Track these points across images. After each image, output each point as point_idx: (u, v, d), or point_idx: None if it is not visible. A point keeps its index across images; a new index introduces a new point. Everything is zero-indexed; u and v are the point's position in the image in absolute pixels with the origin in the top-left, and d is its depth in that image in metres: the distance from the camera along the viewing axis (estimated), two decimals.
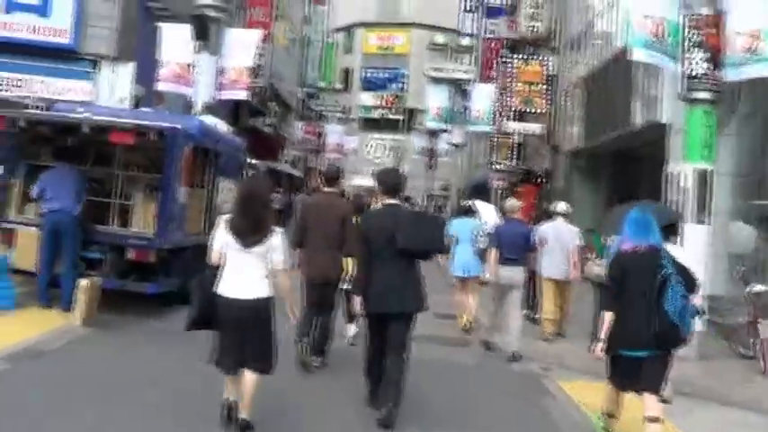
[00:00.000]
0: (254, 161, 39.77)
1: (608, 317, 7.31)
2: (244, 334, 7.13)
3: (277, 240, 7.19)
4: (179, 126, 12.59)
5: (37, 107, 17.99)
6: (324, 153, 49.87)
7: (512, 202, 13.27)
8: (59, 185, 12.08)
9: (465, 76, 32.74)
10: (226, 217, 7.30)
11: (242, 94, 21.77)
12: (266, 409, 7.58)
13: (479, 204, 16.86)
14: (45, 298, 12.07)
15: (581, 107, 27.56)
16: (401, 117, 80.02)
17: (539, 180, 32.84)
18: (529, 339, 12.41)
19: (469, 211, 14.59)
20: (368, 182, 70.65)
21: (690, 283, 7.34)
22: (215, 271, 7.23)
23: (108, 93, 20.84)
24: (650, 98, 19.43)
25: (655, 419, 7.15)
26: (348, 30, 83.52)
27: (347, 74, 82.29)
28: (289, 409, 8.29)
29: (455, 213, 15.04)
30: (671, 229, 9.37)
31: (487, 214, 16.23)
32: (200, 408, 7.81)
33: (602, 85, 24.60)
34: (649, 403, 7.21)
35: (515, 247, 11.89)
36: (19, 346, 9.81)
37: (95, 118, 12.67)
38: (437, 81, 35.74)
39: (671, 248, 7.95)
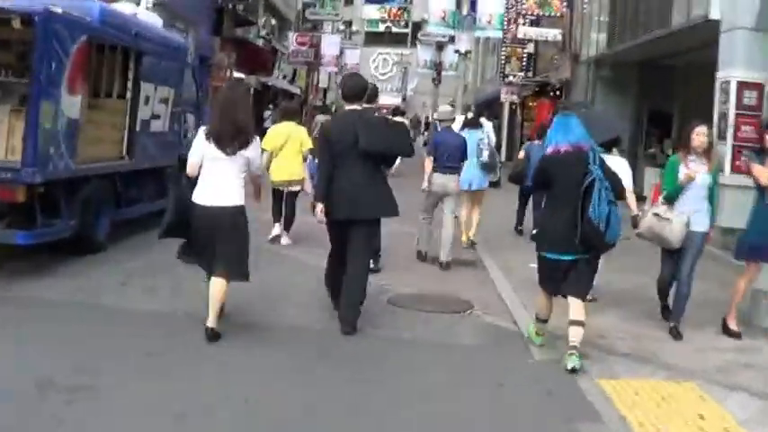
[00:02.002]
0: (241, 75, 37.33)
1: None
2: (219, 240, 7.18)
3: (255, 148, 7.38)
4: (58, 10, 8.99)
5: None
6: (319, 67, 45.85)
7: (443, 108, 13.51)
8: None
9: None
10: (203, 127, 7.39)
11: None
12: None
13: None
14: None
15: (605, 8, 24.32)
16: (407, 30, 76.43)
17: (555, 93, 29.59)
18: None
19: (474, 124, 13.97)
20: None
21: (616, 188, 7.14)
22: (193, 181, 7.25)
23: None
24: None
25: (578, 323, 7.11)
26: None
27: None
28: None
29: (460, 126, 13.93)
30: (614, 141, 9.47)
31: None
32: None
33: None
34: (574, 307, 7.15)
35: (451, 156, 11.82)
36: None
37: None
38: None
39: (612, 160, 8.16)
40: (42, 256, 9.78)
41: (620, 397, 6.41)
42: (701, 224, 8.24)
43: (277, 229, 12.63)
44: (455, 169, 11.90)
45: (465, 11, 27.72)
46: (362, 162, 7.83)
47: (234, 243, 7.24)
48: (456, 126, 13.36)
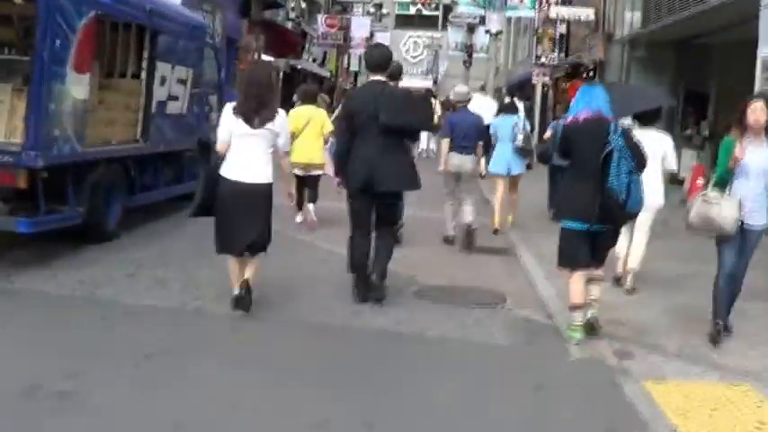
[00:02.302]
0: (270, 58, 36.85)
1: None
2: (247, 216, 7.23)
3: (281, 123, 7.41)
4: None
5: None
6: (349, 50, 45.12)
7: (459, 89, 12.89)
8: None
9: None
10: (230, 104, 7.39)
11: None
12: None
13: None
14: None
15: None
16: (437, 13, 75.78)
17: (588, 74, 28.66)
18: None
19: (510, 108, 13.77)
20: (405, 83, 68.61)
21: (639, 160, 7.02)
22: (222, 159, 7.32)
23: None
24: None
25: (598, 278, 7.34)
26: None
27: None
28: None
29: (496, 111, 14.43)
30: (654, 114, 9.52)
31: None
32: None
33: None
34: (594, 271, 7.25)
35: (467, 136, 11.70)
36: None
37: None
38: None
39: (653, 135, 8.75)
40: (51, 245, 9.29)
41: (668, 403, 5.71)
42: (758, 218, 7.21)
43: (300, 216, 12.50)
44: (471, 149, 11.78)
45: None
46: (384, 135, 7.78)
47: (259, 219, 7.31)
48: (490, 111, 13.71)
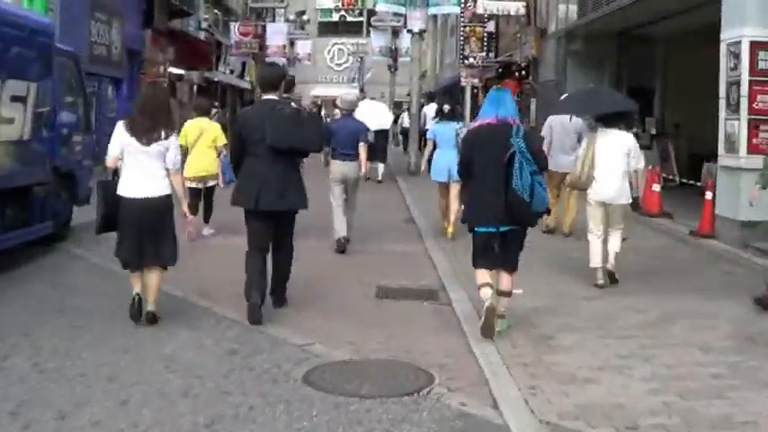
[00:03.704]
0: (180, 71, 34.20)
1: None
2: (148, 230, 7.46)
3: (173, 142, 7.60)
4: None
5: None
6: (264, 59, 42.08)
7: (346, 97, 13.18)
8: None
9: None
10: (122, 120, 7.59)
11: None
12: None
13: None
14: None
15: None
16: (362, 19, 74.36)
17: (521, 73, 27.16)
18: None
19: (450, 114, 13.53)
20: (331, 91, 66.41)
21: (538, 161, 7.19)
22: (116, 175, 7.59)
23: None
24: None
25: (506, 293, 7.37)
26: None
27: None
28: None
29: (434, 117, 14.66)
30: (622, 117, 9.83)
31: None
32: None
33: None
34: (502, 279, 7.36)
35: (348, 143, 11.80)
36: None
37: None
38: None
39: (618, 135, 9.43)
40: None
41: None
42: None
43: (207, 230, 12.66)
44: (354, 156, 11.87)
45: None
46: (273, 154, 7.82)
47: (163, 231, 7.56)
48: (380, 117, 14.61)
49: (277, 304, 8.22)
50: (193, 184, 12.24)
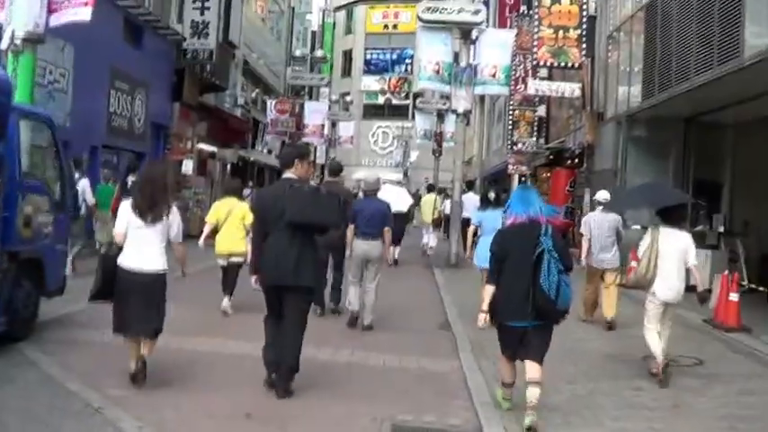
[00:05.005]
0: (212, 148, 32.57)
1: (489, 289, 7.61)
2: (141, 302, 7.83)
3: (175, 219, 8.14)
4: None
5: None
6: (302, 138, 40.07)
7: (369, 178, 13.42)
8: None
9: (473, 19, 22.95)
10: (127, 200, 8.10)
11: (83, 13, 12.73)
12: None
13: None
14: None
15: (638, 53, 19.41)
16: (407, 102, 72.72)
17: (574, 161, 25.32)
18: None
19: (496, 201, 14.05)
20: (374, 175, 65.26)
21: (564, 260, 7.39)
22: (119, 248, 7.99)
23: None
24: None
25: (536, 383, 7.31)
26: (348, 7, 77.38)
27: (347, 56, 76.83)
28: None
29: (480, 205, 14.75)
30: (674, 213, 9.80)
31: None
32: None
33: (679, 9, 16.20)
34: (531, 368, 7.39)
35: (371, 223, 12.09)
36: None
37: None
38: (433, 27, 25.27)
39: (671, 232, 9.44)
40: None
41: None
42: None
43: (226, 301, 12.85)
44: (377, 235, 12.16)
45: (463, 62, 22.31)
46: (292, 230, 8.06)
47: (153, 304, 7.93)
48: (400, 201, 14.58)
49: (279, 394, 7.99)
50: (221, 261, 12.93)
